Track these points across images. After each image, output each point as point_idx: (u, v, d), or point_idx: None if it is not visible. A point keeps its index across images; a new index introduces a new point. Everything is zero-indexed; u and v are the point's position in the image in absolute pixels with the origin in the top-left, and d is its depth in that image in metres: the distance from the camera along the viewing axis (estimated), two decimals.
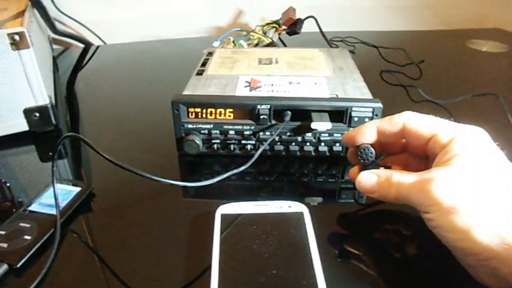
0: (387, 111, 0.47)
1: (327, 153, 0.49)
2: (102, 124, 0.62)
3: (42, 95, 0.55)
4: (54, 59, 0.87)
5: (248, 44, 0.80)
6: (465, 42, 0.97)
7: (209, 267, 0.33)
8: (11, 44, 0.51)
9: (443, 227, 0.31)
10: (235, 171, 0.43)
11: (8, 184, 0.48)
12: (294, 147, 0.49)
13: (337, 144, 0.49)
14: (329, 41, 0.85)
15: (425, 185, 0.32)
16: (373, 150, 0.39)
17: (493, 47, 0.94)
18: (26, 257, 0.37)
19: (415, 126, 0.36)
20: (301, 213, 0.38)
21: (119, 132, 0.59)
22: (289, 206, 0.39)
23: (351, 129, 0.47)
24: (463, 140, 0.33)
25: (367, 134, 0.39)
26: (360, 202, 0.43)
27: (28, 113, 0.55)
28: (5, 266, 0.35)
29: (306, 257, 0.34)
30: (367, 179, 0.37)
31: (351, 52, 0.66)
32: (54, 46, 0.95)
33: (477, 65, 0.86)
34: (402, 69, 0.78)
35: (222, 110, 0.47)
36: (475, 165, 0.32)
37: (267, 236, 0.36)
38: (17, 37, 0.50)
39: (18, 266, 0.36)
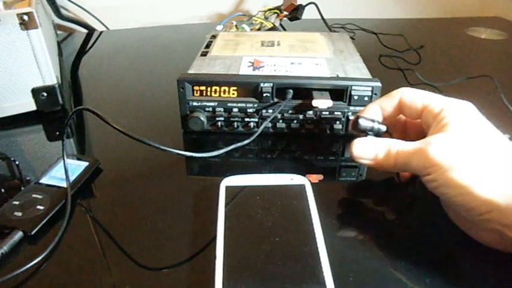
0: (385, 93, 0.49)
1: (328, 131, 0.51)
2: (106, 106, 0.63)
3: (50, 75, 0.56)
4: (59, 44, 0.88)
5: (250, 29, 0.81)
6: (465, 30, 0.98)
7: (214, 236, 0.34)
8: (20, 24, 0.52)
9: (445, 184, 0.33)
10: (239, 144, 0.45)
11: (17, 162, 0.49)
12: (295, 125, 0.50)
13: (338, 122, 0.50)
14: (329, 26, 0.86)
15: (423, 150, 0.34)
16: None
17: (492, 34, 0.95)
18: (40, 225, 0.38)
19: (409, 98, 0.39)
20: (303, 186, 0.39)
21: (123, 113, 0.60)
22: (291, 179, 0.40)
23: (351, 107, 0.49)
24: (453, 109, 0.36)
25: (372, 111, 0.42)
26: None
27: (36, 92, 0.56)
28: (20, 233, 0.37)
29: (308, 226, 0.35)
30: (364, 146, 0.39)
31: (351, 38, 0.67)
32: (58, 32, 0.96)
33: (475, 51, 0.88)
34: (401, 55, 0.79)
35: (226, 88, 0.49)
36: (467, 128, 0.34)
37: (270, 206, 0.37)
38: (25, 17, 0.52)
39: (32, 233, 0.37)
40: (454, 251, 0.36)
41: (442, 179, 0.33)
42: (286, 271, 0.31)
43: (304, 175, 0.41)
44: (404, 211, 0.41)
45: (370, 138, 0.39)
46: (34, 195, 0.41)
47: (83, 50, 0.89)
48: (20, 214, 0.39)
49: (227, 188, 0.39)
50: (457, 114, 0.35)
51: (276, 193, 0.39)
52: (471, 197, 0.31)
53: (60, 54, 0.83)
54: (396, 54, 0.79)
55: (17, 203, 0.40)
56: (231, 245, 0.33)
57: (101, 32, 0.98)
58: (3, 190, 0.44)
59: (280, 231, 0.35)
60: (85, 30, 0.96)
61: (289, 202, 0.38)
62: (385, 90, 0.49)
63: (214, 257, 0.32)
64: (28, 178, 0.46)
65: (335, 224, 0.39)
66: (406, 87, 0.40)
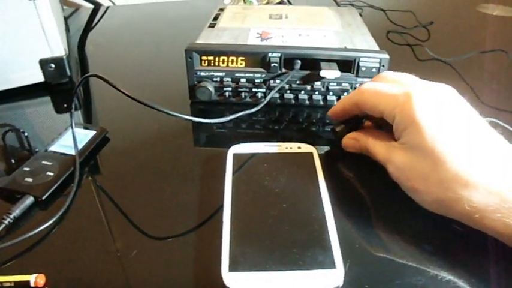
0: (393, 69, 0.48)
1: (335, 103, 0.50)
2: (113, 79, 0.63)
3: (58, 46, 0.56)
4: (65, 19, 0.88)
5: (258, 3, 0.81)
6: (476, 7, 0.96)
7: (222, 203, 0.34)
8: None
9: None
10: (247, 111, 0.45)
11: (25, 134, 0.49)
12: (302, 96, 0.50)
13: (345, 93, 0.50)
14: (338, 2, 0.85)
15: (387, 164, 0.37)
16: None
17: (505, 11, 0.93)
18: (50, 191, 0.39)
19: (364, 109, 0.39)
20: (311, 153, 0.40)
21: (131, 85, 0.60)
22: (299, 147, 0.40)
23: (359, 79, 0.49)
24: (405, 118, 0.34)
25: (339, 113, 0.43)
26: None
27: (44, 63, 0.56)
28: (31, 198, 0.38)
29: (315, 193, 0.35)
30: (351, 145, 0.42)
31: None
32: (64, 7, 0.95)
33: (487, 27, 0.86)
34: (410, 31, 0.78)
35: (234, 58, 0.49)
36: (424, 137, 0.33)
37: (278, 173, 0.37)
38: None
39: (43, 198, 0.38)
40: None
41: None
42: (293, 237, 0.31)
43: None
44: None
45: (354, 139, 0.42)
46: (44, 162, 0.42)
47: (89, 26, 0.88)
48: (30, 180, 0.39)
49: (235, 155, 0.40)
50: (409, 123, 0.34)
51: (284, 160, 0.39)
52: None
53: (67, 29, 0.83)
54: (405, 31, 0.78)
55: (27, 169, 0.41)
56: (238, 211, 0.33)
57: (107, 8, 0.97)
58: (12, 161, 0.45)
59: (288, 198, 0.35)
60: (91, 6, 0.96)
61: (297, 170, 0.38)
62: (393, 65, 0.48)
63: (221, 222, 0.32)
64: (37, 149, 0.47)
65: (342, 191, 0.39)
66: (363, 87, 0.39)
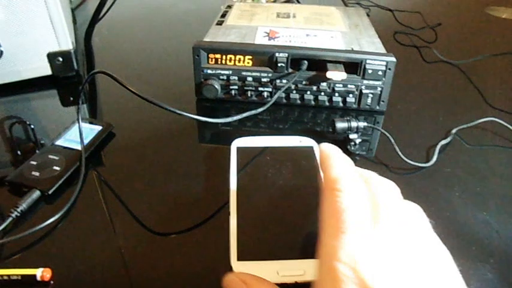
0: (400, 71, 0.49)
1: (341, 104, 0.51)
2: (120, 74, 0.63)
3: (65, 40, 0.56)
4: (72, 11, 0.88)
5: (266, 1, 0.81)
6: (484, 9, 0.95)
7: (227, 195, 0.35)
8: None
9: None
10: (253, 111, 0.45)
11: (32, 126, 0.50)
12: (308, 96, 0.50)
13: (351, 95, 0.50)
14: (345, 1, 0.85)
15: None
16: None
17: None
18: (57, 185, 0.39)
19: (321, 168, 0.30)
20: (311, 147, 0.40)
21: (137, 80, 0.61)
22: (300, 141, 0.41)
23: (365, 81, 0.49)
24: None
25: None
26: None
27: (52, 57, 0.56)
28: (37, 192, 0.38)
29: (317, 184, 0.36)
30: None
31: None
32: None
33: (496, 30, 0.86)
34: (417, 32, 0.78)
35: (241, 57, 0.49)
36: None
37: (280, 166, 0.38)
38: None
39: (49, 192, 0.38)
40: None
41: None
42: (297, 227, 0.32)
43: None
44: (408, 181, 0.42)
45: None
46: (50, 156, 0.42)
47: (96, 18, 0.88)
48: (37, 174, 0.40)
49: (238, 148, 0.40)
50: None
51: (286, 154, 0.40)
52: None
53: (74, 21, 0.83)
54: (412, 32, 0.78)
55: (34, 163, 0.41)
56: (244, 203, 0.34)
57: (115, 0, 0.97)
58: (19, 152, 0.45)
59: (291, 189, 0.36)
60: None
61: (299, 162, 0.39)
62: (399, 71, 0.48)
63: (228, 215, 0.33)
64: (43, 142, 0.47)
65: None
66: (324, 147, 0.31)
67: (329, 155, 0.29)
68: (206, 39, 0.51)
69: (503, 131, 0.49)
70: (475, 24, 0.89)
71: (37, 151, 0.43)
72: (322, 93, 0.50)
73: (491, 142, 0.48)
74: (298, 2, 0.88)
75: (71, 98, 0.57)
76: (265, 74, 0.50)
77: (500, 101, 0.55)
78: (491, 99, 0.55)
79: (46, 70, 0.57)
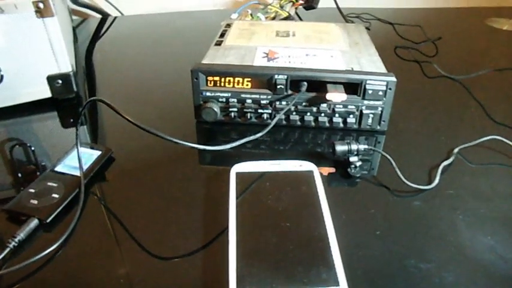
0: (400, 87, 0.48)
1: (341, 125, 0.50)
2: (119, 94, 0.64)
3: (65, 63, 0.56)
4: (74, 29, 0.89)
5: (265, 18, 0.81)
6: (485, 21, 0.95)
7: (226, 222, 0.35)
8: (36, 11, 0.52)
9: None
10: (252, 137, 0.45)
11: (32, 148, 0.50)
12: (308, 118, 0.50)
13: (351, 116, 0.50)
14: (345, 16, 0.85)
15: None
16: None
17: None
18: (55, 214, 0.39)
19: None
20: (312, 172, 0.40)
21: (136, 101, 0.61)
22: (300, 165, 0.41)
23: (365, 101, 0.49)
24: None
25: None
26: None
27: (51, 79, 0.57)
28: (36, 221, 0.38)
29: (317, 210, 0.36)
30: None
31: (366, 29, 0.66)
32: (73, 17, 0.96)
33: (497, 43, 0.85)
34: (417, 46, 0.78)
35: (240, 79, 0.49)
36: None
37: (280, 192, 0.38)
38: (41, 5, 0.52)
39: (48, 221, 0.38)
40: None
41: None
42: (297, 255, 0.32)
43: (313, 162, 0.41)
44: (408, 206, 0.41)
45: None
46: (49, 183, 0.42)
47: (97, 36, 0.89)
48: (35, 202, 0.39)
49: (237, 174, 0.40)
50: None
51: (286, 179, 0.39)
52: None
53: (75, 40, 0.83)
54: (413, 46, 0.78)
55: (33, 190, 0.41)
56: (243, 231, 0.34)
57: (115, 18, 0.98)
58: (19, 175, 0.45)
59: (291, 216, 0.35)
60: (99, 16, 0.96)
61: (299, 188, 0.38)
62: (400, 86, 0.48)
63: (227, 242, 0.33)
64: (43, 163, 0.47)
65: (343, 209, 0.39)
66: None
67: None
68: (205, 61, 0.51)
69: (507, 149, 0.48)
70: (476, 37, 0.89)
71: (38, 173, 0.43)
72: (322, 114, 0.50)
73: (494, 161, 0.47)
74: (300, 19, 0.88)
75: (71, 120, 0.57)
76: (265, 96, 0.49)
77: (503, 116, 0.55)
78: (494, 114, 0.55)
79: (46, 93, 0.58)
